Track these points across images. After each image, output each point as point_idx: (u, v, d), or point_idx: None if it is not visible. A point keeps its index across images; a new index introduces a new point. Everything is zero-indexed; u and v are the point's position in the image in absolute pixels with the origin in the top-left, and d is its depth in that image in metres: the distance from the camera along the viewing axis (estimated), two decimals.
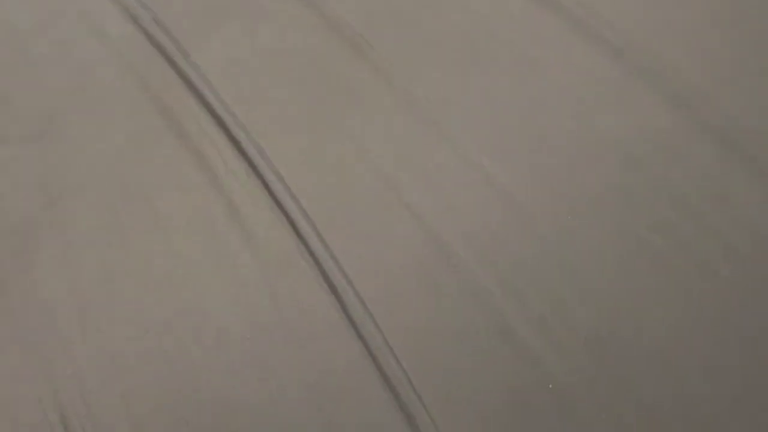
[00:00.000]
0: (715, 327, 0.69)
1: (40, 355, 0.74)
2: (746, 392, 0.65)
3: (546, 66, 0.91)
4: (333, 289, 0.74)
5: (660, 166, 0.80)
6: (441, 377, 0.68)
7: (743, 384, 0.66)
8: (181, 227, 0.82)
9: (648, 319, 0.70)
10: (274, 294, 0.75)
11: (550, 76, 0.90)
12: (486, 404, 0.66)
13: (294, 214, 0.80)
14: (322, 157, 0.86)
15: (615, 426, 0.64)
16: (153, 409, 0.69)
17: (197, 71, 0.95)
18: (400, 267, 0.75)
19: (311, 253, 0.77)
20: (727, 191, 0.77)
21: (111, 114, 0.93)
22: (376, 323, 0.71)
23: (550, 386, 0.67)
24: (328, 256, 0.76)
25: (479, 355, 0.69)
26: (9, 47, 1.02)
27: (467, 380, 0.68)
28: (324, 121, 0.89)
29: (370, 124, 0.88)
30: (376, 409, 0.67)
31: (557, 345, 0.69)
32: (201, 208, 0.83)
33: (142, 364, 0.72)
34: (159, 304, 0.76)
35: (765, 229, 0.75)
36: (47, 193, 0.85)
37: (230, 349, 0.72)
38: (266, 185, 0.83)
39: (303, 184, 0.82)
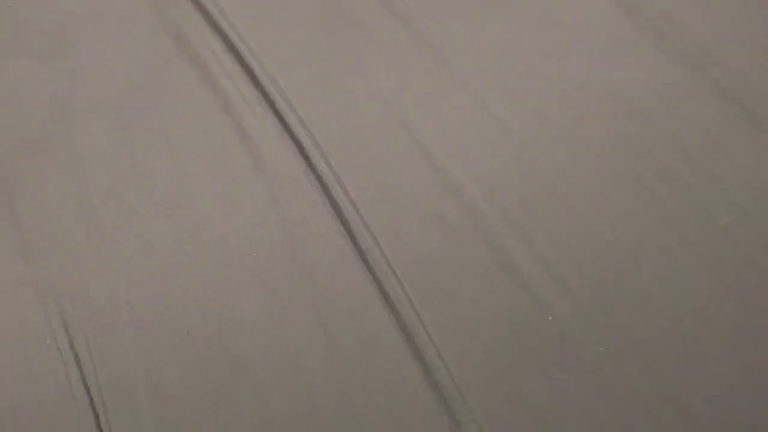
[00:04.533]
0: (711, 273, 0.71)
1: (45, 262, 0.75)
2: (736, 336, 0.67)
3: (560, 17, 0.92)
4: (339, 214, 0.75)
5: (665, 118, 0.82)
6: (443, 303, 0.70)
7: (734, 328, 0.68)
8: (191, 149, 0.82)
9: (646, 262, 0.72)
10: (280, 216, 0.76)
11: (563, 28, 0.91)
12: (486, 331, 0.68)
13: (304, 141, 0.81)
14: (334, 89, 0.86)
15: (610, 358, 0.66)
16: (156, 318, 0.70)
17: (215, 1, 0.95)
18: (407, 197, 0.77)
19: (319, 178, 0.78)
20: (728, 145, 0.79)
21: (125, 38, 0.93)
22: (381, 248, 0.73)
23: (550, 318, 0.68)
24: (335, 182, 0.77)
25: (482, 285, 0.71)
26: None
27: (469, 308, 0.69)
28: (339, 56, 0.89)
29: (385, 62, 0.88)
30: (377, 329, 0.69)
31: (558, 281, 0.71)
32: (211, 132, 0.83)
33: (148, 277, 0.73)
34: (166, 221, 0.77)
35: (764, 183, 0.76)
36: (59, 107, 0.86)
37: (236, 267, 0.73)
38: (277, 113, 0.84)
39: (314, 114, 0.83)
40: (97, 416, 0.66)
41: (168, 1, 0.97)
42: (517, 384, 0.65)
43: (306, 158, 0.80)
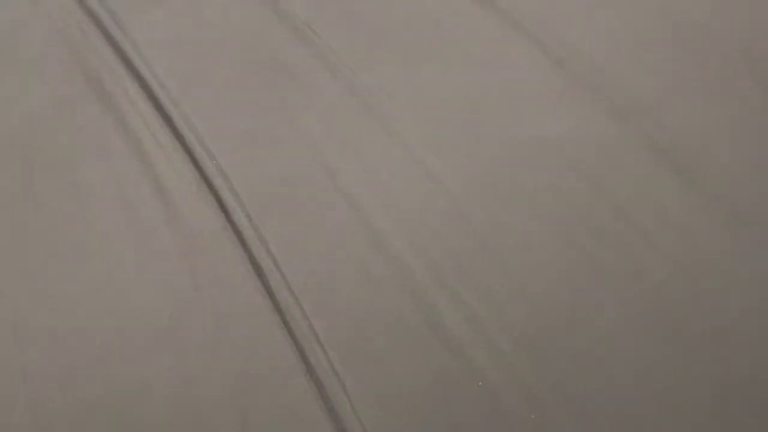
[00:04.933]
0: (647, 330, 0.68)
1: None
2: (674, 393, 0.65)
3: (489, 65, 0.90)
4: (259, 272, 0.71)
5: (597, 171, 0.80)
6: (367, 368, 0.65)
7: (672, 385, 0.65)
8: (101, 198, 0.77)
9: (580, 320, 0.69)
10: (194, 273, 0.71)
11: (495, 78, 0.89)
12: (412, 397, 0.64)
13: (222, 192, 0.76)
14: (257, 136, 0.82)
15: (544, 425, 0.63)
16: (56, 389, 0.64)
17: (131, 41, 0.91)
18: (332, 252, 0.73)
19: (238, 233, 0.73)
20: (661, 199, 0.78)
21: (35, 76, 0.87)
22: (302, 308, 0.68)
23: (480, 384, 0.65)
24: (255, 237, 0.73)
25: (408, 347, 0.67)
26: None
27: (394, 372, 0.65)
28: (263, 101, 0.86)
29: (311, 109, 0.85)
30: (296, 398, 0.64)
31: (488, 342, 0.67)
32: (123, 180, 0.78)
33: (47, 338, 0.67)
34: (72, 276, 0.71)
35: (696, 237, 0.75)
36: None
37: (145, 327, 0.68)
38: (195, 161, 0.79)
39: (235, 163, 0.79)
40: None
41: (83, 40, 0.92)
42: None
43: (224, 211, 0.75)
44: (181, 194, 0.77)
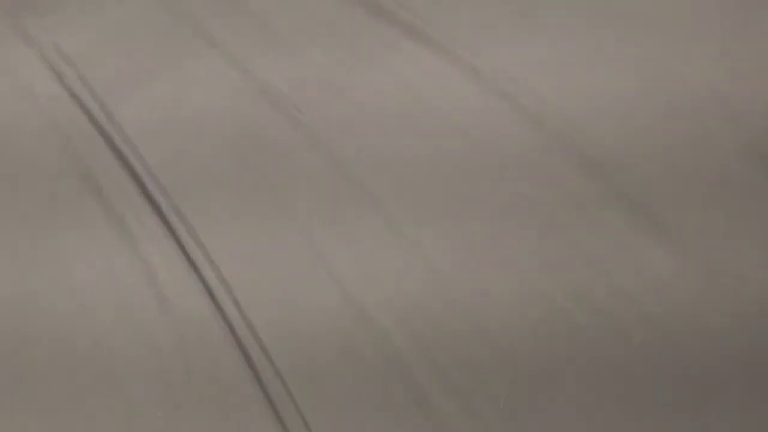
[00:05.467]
0: (630, 395, 0.70)
1: None
2: None
3: (470, 132, 0.93)
4: (248, 359, 0.73)
5: (575, 231, 0.82)
6: None
7: None
8: (96, 293, 0.79)
9: (564, 388, 0.70)
10: (188, 366, 0.73)
11: (471, 143, 0.91)
12: None
13: (210, 280, 0.79)
14: (245, 221, 0.85)
15: None
16: None
17: (120, 133, 0.94)
18: (319, 334, 0.75)
19: (226, 319, 0.75)
20: (640, 257, 0.79)
21: (29, 175, 0.91)
22: (292, 395, 0.70)
23: None
24: (243, 324, 0.75)
25: (398, 427, 0.68)
26: None
27: None
28: (250, 185, 0.88)
29: (297, 186, 0.88)
30: None
31: (475, 416, 0.69)
32: (117, 274, 0.81)
33: None
34: (69, 376, 0.73)
35: (676, 295, 0.76)
36: None
37: (142, 425, 0.70)
38: (184, 250, 0.82)
39: (222, 250, 0.81)
40: None
41: (75, 132, 0.95)
42: None
43: (213, 298, 0.77)
44: (172, 285, 0.79)
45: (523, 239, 0.82)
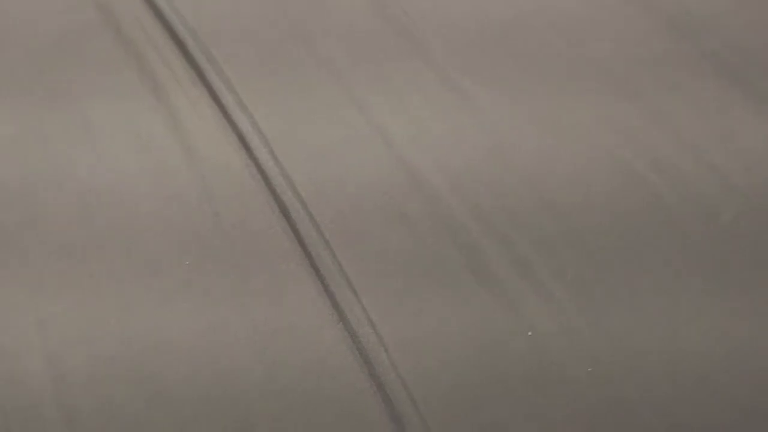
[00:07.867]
0: (715, 276, 0.62)
1: None
2: (742, 346, 0.58)
3: None
4: (285, 213, 0.65)
5: (657, 97, 0.72)
6: (405, 316, 0.60)
7: (739, 337, 0.59)
8: (114, 137, 0.71)
9: (641, 263, 0.62)
10: (217, 216, 0.65)
11: None
12: (453, 347, 0.58)
13: (244, 128, 0.70)
14: (281, 66, 0.76)
15: (600, 380, 0.57)
16: (73, 342, 0.60)
17: None
18: (364, 192, 0.66)
19: (261, 171, 0.67)
20: (727, 126, 0.70)
21: (39, 7, 0.81)
22: (333, 252, 0.62)
23: (530, 333, 0.59)
24: (280, 175, 0.67)
25: (449, 292, 0.61)
26: None
27: (434, 320, 0.60)
28: (281, 25, 0.79)
29: (339, 35, 0.78)
30: (328, 349, 0.58)
31: (539, 288, 0.61)
32: (137, 117, 0.72)
33: (61, 286, 0.62)
34: (85, 220, 0.66)
35: (765, 166, 0.67)
36: None
37: (166, 274, 0.63)
38: (214, 95, 0.73)
39: (257, 96, 0.73)
40: None
41: None
42: (492, 415, 0.55)
43: (247, 148, 0.69)
44: (199, 130, 0.71)
45: (596, 102, 0.73)
